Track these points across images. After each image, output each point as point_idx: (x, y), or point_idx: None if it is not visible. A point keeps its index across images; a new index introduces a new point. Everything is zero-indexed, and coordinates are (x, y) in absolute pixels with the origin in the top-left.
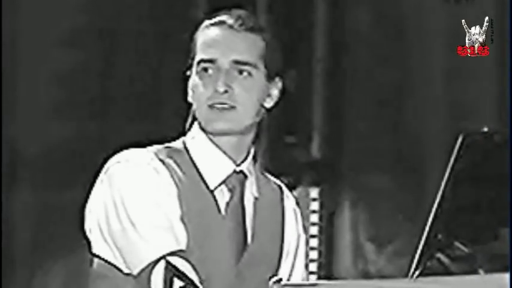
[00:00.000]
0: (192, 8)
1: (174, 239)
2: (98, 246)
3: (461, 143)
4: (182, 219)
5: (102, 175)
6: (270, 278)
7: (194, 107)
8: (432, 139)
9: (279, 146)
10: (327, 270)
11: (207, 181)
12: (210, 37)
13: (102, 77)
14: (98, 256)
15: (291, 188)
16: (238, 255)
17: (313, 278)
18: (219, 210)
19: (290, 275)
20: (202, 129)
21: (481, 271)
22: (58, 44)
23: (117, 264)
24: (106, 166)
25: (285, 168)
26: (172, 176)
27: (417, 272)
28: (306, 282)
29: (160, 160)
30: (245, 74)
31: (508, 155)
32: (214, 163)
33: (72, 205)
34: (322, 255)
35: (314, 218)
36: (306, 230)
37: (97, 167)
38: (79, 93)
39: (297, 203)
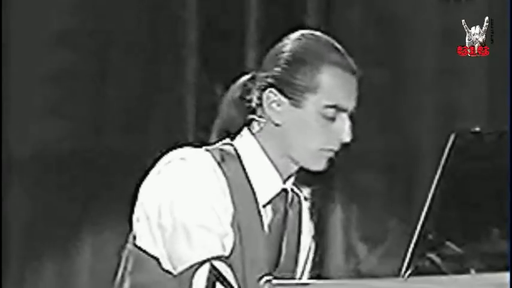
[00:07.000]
0: (182, 9)
1: (221, 244)
2: (143, 238)
3: (453, 143)
4: (232, 226)
5: (161, 166)
6: (261, 278)
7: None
8: (424, 139)
9: None
10: (318, 270)
11: (257, 196)
12: (342, 82)
13: (95, 77)
14: (139, 248)
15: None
16: (272, 268)
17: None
18: (262, 227)
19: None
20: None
21: (472, 271)
22: (51, 45)
23: (160, 259)
24: (166, 159)
25: None
26: (227, 179)
27: (409, 272)
28: (297, 281)
29: (217, 162)
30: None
31: (507, 155)
32: (265, 178)
33: (68, 206)
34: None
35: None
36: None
37: (92, 166)
38: (72, 93)
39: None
